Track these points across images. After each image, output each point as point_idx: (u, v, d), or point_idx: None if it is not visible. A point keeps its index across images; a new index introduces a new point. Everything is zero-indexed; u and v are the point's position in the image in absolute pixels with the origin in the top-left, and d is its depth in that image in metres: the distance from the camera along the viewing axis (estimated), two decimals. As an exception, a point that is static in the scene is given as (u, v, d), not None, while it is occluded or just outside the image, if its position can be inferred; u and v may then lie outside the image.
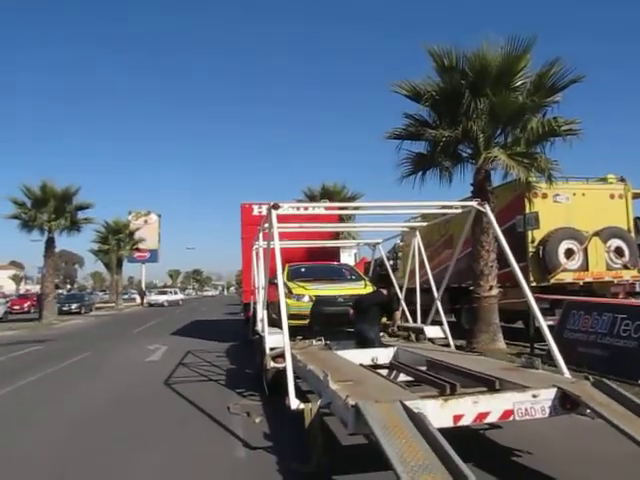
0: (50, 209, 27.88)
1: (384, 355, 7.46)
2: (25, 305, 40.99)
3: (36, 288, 72.28)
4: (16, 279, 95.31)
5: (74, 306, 36.60)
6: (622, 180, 13.34)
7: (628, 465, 4.43)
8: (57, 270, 30.33)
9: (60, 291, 42.50)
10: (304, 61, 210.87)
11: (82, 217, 30.09)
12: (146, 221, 67.15)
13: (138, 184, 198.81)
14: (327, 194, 30.01)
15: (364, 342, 8.11)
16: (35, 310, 35.80)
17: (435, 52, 11.30)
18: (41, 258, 29.01)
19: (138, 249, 52.58)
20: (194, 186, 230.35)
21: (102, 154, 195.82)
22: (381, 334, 9.32)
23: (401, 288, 10.72)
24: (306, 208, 12.04)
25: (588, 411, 4.28)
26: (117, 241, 46.51)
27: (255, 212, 15.45)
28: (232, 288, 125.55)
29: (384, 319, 9.76)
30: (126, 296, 63.00)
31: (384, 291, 8.93)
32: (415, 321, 9.84)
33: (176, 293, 59.90)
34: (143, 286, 73.34)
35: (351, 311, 8.53)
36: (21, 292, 71.13)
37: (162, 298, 53.75)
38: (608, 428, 3.98)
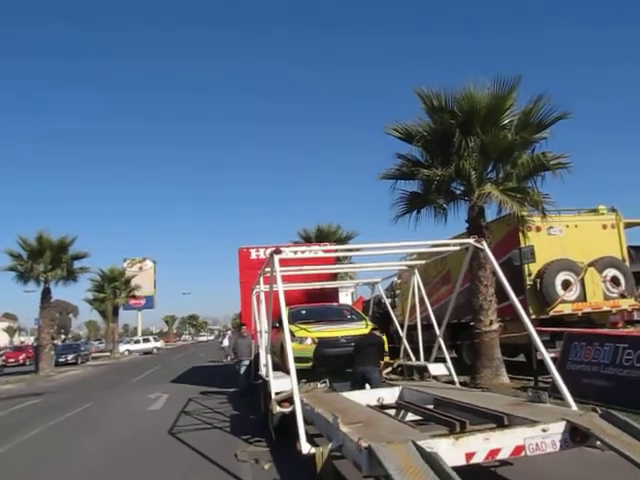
0: (46, 260, 27.86)
1: (390, 395, 7.46)
2: (20, 357, 40.46)
3: (30, 340, 71.59)
4: (10, 331, 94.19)
5: (70, 357, 36.15)
6: (613, 210, 13.56)
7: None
8: (52, 320, 29.97)
9: (55, 341, 42.01)
10: (299, 101, 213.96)
11: (78, 266, 30.08)
12: (141, 268, 67.24)
13: (133, 231, 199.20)
14: (322, 235, 30.23)
15: (365, 383, 8.15)
16: (31, 362, 35.37)
17: (424, 94, 11.65)
18: (35, 309, 28.89)
19: (134, 296, 52.41)
20: (189, 231, 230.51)
21: (95, 200, 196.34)
22: (387, 371, 9.36)
23: (401, 326, 10.76)
24: (305, 252, 12.14)
25: (598, 443, 4.31)
26: (113, 289, 46.34)
27: (253, 256, 15.52)
28: (229, 332, 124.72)
29: (387, 358, 9.82)
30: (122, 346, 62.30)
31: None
32: (418, 359, 9.84)
33: (148, 341, 57.39)
34: (139, 333, 72.78)
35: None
36: (15, 344, 70.26)
37: (134, 347, 53.04)
38: (620, 460, 4.01)
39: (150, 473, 6.77)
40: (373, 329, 9.28)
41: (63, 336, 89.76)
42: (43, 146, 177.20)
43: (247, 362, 13.29)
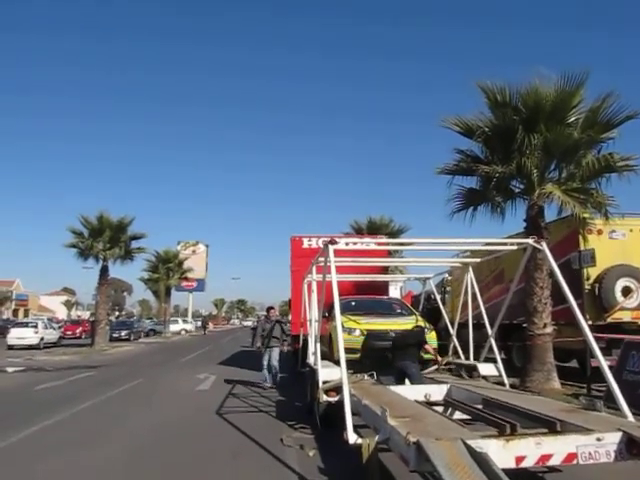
0: (105, 239, 28.92)
1: (437, 392, 7.43)
2: (77, 331, 42.21)
3: (87, 314, 74.58)
4: (68, 305, 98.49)
5: (124, 333, 37.49)
6: (682, 215, 12.94)
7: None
8: (107, 297, 31.12)
9: (110, 318, 43.59)
10: (364, 91, 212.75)
11: (135, 247, 31.09)
12: (194, 251, 68.77)
13: (186, 214, 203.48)
14: (374, 227, 30.10)
15: (404, 378, 8.14)
16: (87, 336, 36.87)
17: (488, 88, 11.39)
18: (92, 285, 30.13)
19: (186, 278, 53.75)
20: (241, 216, 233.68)
21: (154, 182, 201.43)
22: (429, 370, 9.30)
23: (451, 323, 10.64)
24: (361, 244, 12.15)
25: (656, 457, 4.17)
26: (166, 270, 47.69)
27: (305, 245, 15.67)
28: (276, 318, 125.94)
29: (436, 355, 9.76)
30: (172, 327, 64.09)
31: (423, 327, 9.06)
32: (467, 357, 9.72)
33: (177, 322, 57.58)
34: (189, 315, 74.66)
35: (390, 355, 8.61)
36: (73, 318, 73.35)
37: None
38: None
39: (198, 451, 6.97)
40: (417, 326, 9.23)
41: (117, 313, 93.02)
42: (109, 124, 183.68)
43: (274, 351, 12.72)
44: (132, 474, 5.94)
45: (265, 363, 12.68)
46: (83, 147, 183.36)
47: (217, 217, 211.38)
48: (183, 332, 54.68)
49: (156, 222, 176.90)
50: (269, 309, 14.00)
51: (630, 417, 5.15)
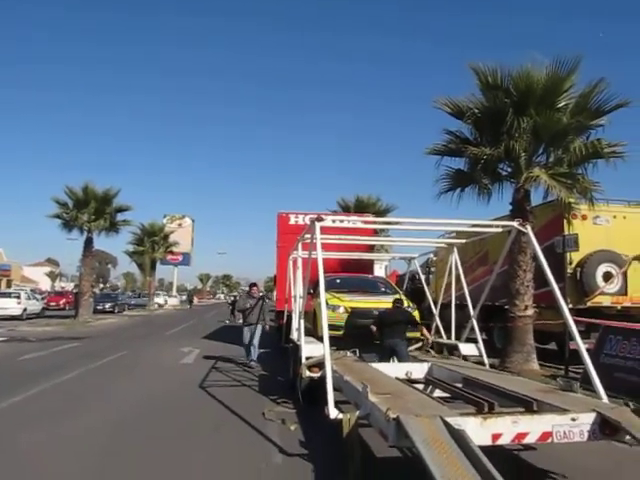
0: (91, 210, 28.60)
1: (418, 370, 7.53)
2: (61, 302, 41.99)
3: (70, 285, 74.17)
4: (52, 276, 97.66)
5: (108, 305, 37.43)
6: (665, 204, 13.12)
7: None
8: (91, 269, 30.89)
9: (94, 290, 43.37)
10: (357, 66, 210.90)
11: (121, 219, 30.77)
12: (180, 225, 68.48)
13: (172, 187, 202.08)
14: (361, 206, 30.10)
15: (392, 356, 8.25)
16: (70, 307, 36.74)
17: (480, 70, 11.35)
18: (76, 256, 29.89)
19: (172, 252, 53.57)
20: (228, 192, 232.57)
21: (139, 155, 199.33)
22: (413, 348, 9.42)
23: (435, 303, 10.75)
24: (347, 222, 12.16)
25: (627, 438, 4.29)
26: (152, 243, 47.44)
27: (292, 221, 15.66)
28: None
29: (418, 334, 9.88)
30: (156, 300, 64.00)
31: (407, 306, 9.16)
32: (448, 337, 9.86)
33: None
34: (174, 289, 74.58)
35: (374, 328, 8.68)
36: (56, 289, 72.89)
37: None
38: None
39: (181, 423, 7.03)
40: (396, 300, 9.27)
41: (101, 285, 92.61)
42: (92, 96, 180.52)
43: (257, 329, 12.10)
44: (115, 445, 5.98)
45: (247, 341, 12.20)
46: (68, 117, 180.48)
47: (204, 192, 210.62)
48: (167, 306, 54.68)
49: (142, 196, 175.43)
50: (252, 285, 13.67)
51: (605, 399, 5.28)
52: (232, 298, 38.60)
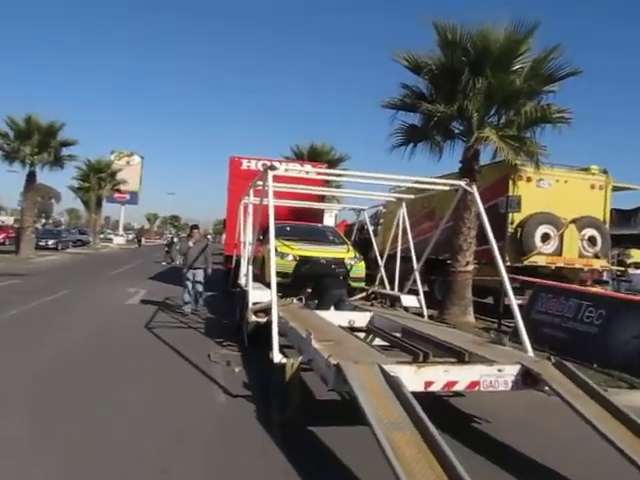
0: (34, 143, 27.26)
1: (361, 319, 7.83)
2: (0, 237, 40.49)
3: (10, 220, 71.30)
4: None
5: (51, 242, 36.28)
6: (604, 172, 13.73)
7: (575, 439, 4.85)
8: (33, 203, 29.75)
9: (36, 225, 41.94)
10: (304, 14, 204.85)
11: (66, 153, 29.54)
12: (128, 162, 66.27)
13: (122, 123, 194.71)
14: (315, 153, 30.00)
15: (337, 305, 8.53)
16: (11, 243, 35.45)
17: (440, 26, 11.30)
18: (15, 189, 28.71)
19: (119, 190, 52.14)
20: (179, 131, 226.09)
21: (87, 89, 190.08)
22: (357, 297, 9.72)
23: (381, 255, 11.03)
24: (300, 171, 12.17)
25: (546, 388, 4.67)
26: (98, 180, 45.86)
27: (244, 166, 15.56)
28: (209, 236, 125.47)
29: (363, 284, 10.19)
30: (102, 236, 62.55)
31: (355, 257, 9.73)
32: (392, 288, 10.18)
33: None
34: (121, 228, 73.03)
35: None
36: (-5, 222, 70.06)
37: None
38: (562, 405, 4.37)
39: (125, 362, 7.13)
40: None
41: (44, 220, 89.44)
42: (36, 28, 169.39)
43: (199, 273, 11.62)
44: (61, 381, 6.04)
45: (189, 285, 11.55)
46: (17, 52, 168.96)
47: (154, 129, 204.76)
48: (113, 244, 53.53)
49: (89, 131, 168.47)
50: (193, 228, 12.83)
51: (530, 352, 5.67)
52: (168, 239, 38.02)
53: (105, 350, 7.77)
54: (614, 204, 14.47)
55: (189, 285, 11.55)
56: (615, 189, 14.03)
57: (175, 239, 34.93)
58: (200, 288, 11.78)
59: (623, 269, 16.44)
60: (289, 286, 9.25)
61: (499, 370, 4.70)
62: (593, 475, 4.18)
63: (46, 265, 24.28)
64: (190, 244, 11.77)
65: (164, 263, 28.62)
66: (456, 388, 4.73)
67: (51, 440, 4.35)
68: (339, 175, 12.56)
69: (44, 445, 4.25)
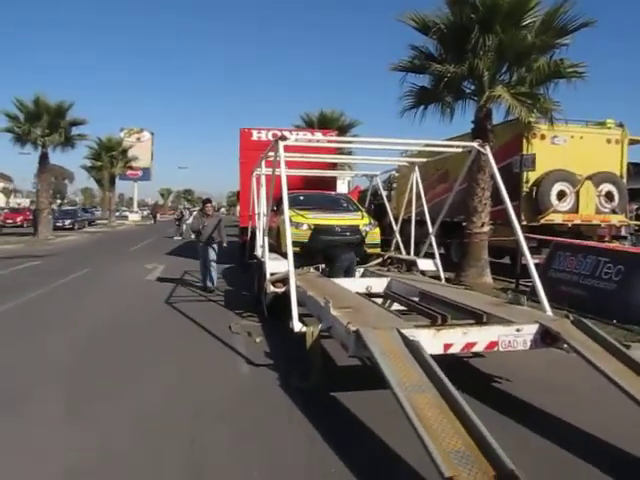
0: (44, 124, 27.42)
1: (378, 284, 7.88)
2: (18, 219, 40.81)
3: (27, 202, 72.11)
4: (6, 192, 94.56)
5: (68, 222, 36.74)
6: (620, 126, 13.47)
7: (594, 395, 4.89)
8: (48, 185, 30.01)
9: (52, 206, 42.25)
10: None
11: (76, 133, 29.73)
12: (139, 139, 66.44)
13: (131, 100, 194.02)
14: (325, 120, 29.77)
15: (348, 271, 8.63)
16: (28, 224, 35.90)
17: (447, -18, 11.06)
18: (31, 171, 29.00)
19: (131, 167, 52.35)
20: (189, 106, 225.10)
21: (96, 69, 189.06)
22: (373, 264, 9.77)
23: (395, 220, 11.01)
24: (311, 140, 12.07)
25: (565, 346, 4.69)
26: (110, 158, 46.12)
27: (254, 137, 15.48)
28: (222, 209, 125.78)
29: (379, 250, 10.22)
30: (117, 214, 63.07)
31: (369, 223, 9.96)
32: (408, 253, 10.19)
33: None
34: (135, 204, 73.51)
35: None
36: (12, 206, 70.82)
37: None
38: (581, 362, 4.40)
39: (150, 337, 7.28)
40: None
41: (59, 201, 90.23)
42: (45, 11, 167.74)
43: (212, 249, 11.31)
44: (88, 356, 6.20)
45: (205, 263, 11.27)
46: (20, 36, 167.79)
47: (164, 105, 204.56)
48: (128, 221, 54.02)
49: (98, 110, 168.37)
50: (205, 202, 12.14)
51: (549, 311, 5.67)
52: (179, 214, 37.81)
53: (129, 327, 7.92)
54: (631, 158, 14.20)
55: (205, 262, 11.27)
56: (632, 142, 13.76)
57: (185, 212, 35.04)
58: (214, 264, 11.35)
59: None
60: (304, 255, 9.30)
61: (517, 330, 4.73)
62: (613, 428, 4.22)
63: (65, 245, 24.61)
64: (205, 220, 11.30)
65: (176, 238, 28.86)
66: (475, 349, 4.77)
67: (83, 421, 4.48)
68: (349, 142, 12.47)
69: (80, 426, 4.38)
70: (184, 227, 29.61)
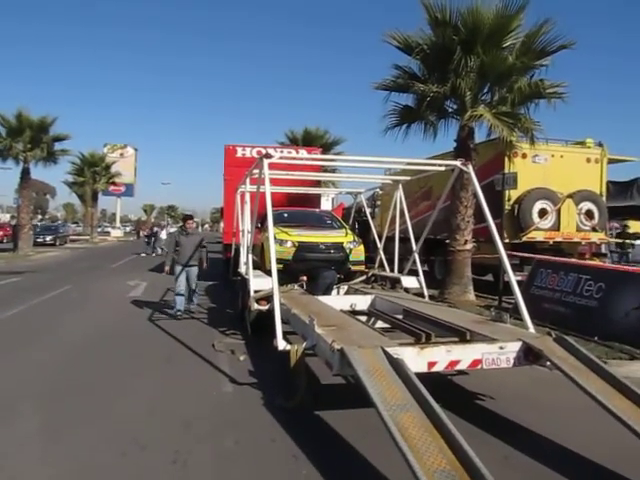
0: (26, 139, 27.14)
1: (362, 302, 7.89)
2: (-2, 235, 40.35)
3: (6, 217, 71.13)
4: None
5: (49, 238, 36.22)
6: (600, 145, 13.75)
7: (577, 413, 4.93)
8: (29, 200, 29.64)
9: (33, 222, 41.75)
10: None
11: (59, 148, 29.46)
12: (122, 154, 66.05)
13: (114, 116, 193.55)
14: (309, 138, 29.93)
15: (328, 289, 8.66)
16: (8, 240, 35.33)
17: (429, 5, 11.23)
18: (10, 186, 28.64)
19: (114, 183, 51.90)
20: (173, 122, 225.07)
21: (76, 84, 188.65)
22: (357, 281, 9.77)
23: (379, 237, 11.05)
24: (295, 158, 12.12)
25: (548, 363, 4.73)
26: (93, 174, 45.80)
27: (239, 154, 15.53)
28: (206, 225, 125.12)
29: (362, 267, 10.23)
30: (99, 229, 62.44)
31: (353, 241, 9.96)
32: (392, 270, 10.22)
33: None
34: (117, 220, 72.92)
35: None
36: (-9, 221, 69.76)
37: None
38: (564, 379, 4.43)
39: (132, 355, 7.18)
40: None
41: (40, 216, 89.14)
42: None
43: (193, 271, 10.26)
44: (69, 376, 6.10)
45: (182, 286, 10.09)
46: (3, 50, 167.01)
47: (147, 122, 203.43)
48: (111, 237, 53.46)
49: (83, 126, 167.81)
50: (186, 218, 11.00)
51: (531, 328, 5.71)
52: (149, 231, 36.83)
53: (110, 345, 7.81)
54: (610, 176, 14.49)
55: (181, 287, 10.11)
56: (611, 161, 14.05)
57: (158, 230, 34.39)
58: (194, 286, 10.54)
59: (631, 242, 16.64)
60: (288, 272, 9.27)
61: (501, 348, 4.76)
62: (596, 446, 4.25)
63: (45, 261, 24.30)
64: (183, 239, 10.25)
65: (143, 255, 28.64)
66: (459, 367, 4.79)
67: (62, 444, 4.40)
68: (333, 160, 12.53)
69: (58, 447, 4.30)
70: (156, 244, 29.30)
